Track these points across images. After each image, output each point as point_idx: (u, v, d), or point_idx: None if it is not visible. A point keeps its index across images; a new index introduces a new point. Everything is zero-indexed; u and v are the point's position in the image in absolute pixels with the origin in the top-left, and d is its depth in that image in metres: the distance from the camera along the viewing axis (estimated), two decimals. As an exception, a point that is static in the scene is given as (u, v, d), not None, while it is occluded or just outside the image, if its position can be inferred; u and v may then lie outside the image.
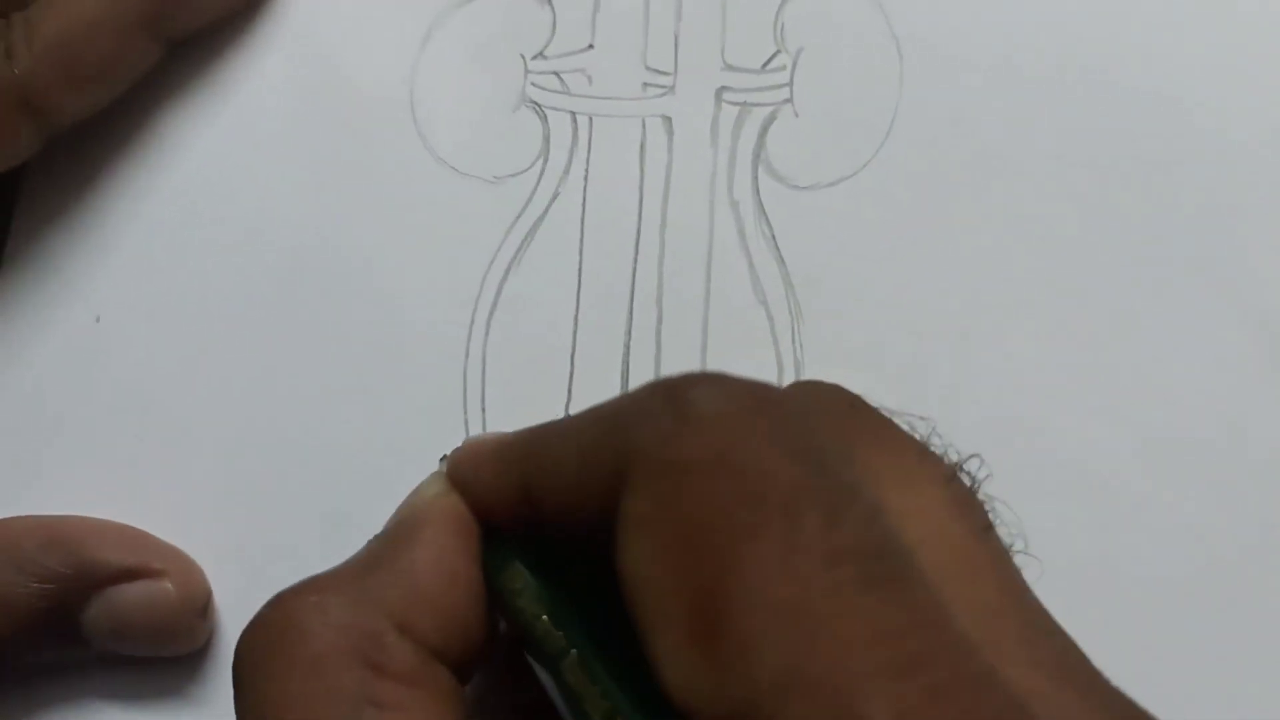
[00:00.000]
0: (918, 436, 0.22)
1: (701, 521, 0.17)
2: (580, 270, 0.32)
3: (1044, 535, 0.30)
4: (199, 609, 0.30)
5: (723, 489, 0.17)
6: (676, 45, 0.33)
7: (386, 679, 0.19)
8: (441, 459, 0.24)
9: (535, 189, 0.32)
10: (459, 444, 0.27)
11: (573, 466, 0.19)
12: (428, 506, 0.22)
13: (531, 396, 0.31)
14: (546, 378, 0.32)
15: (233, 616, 0.31)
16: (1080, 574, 0.29)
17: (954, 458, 0.21)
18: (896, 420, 0.22)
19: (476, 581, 0.21)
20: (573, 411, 0.31)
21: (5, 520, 0.30)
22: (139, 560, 0.30)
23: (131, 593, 0.29)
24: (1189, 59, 0.31)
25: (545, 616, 0.20)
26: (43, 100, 0.31)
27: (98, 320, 0.33)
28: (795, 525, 0.16)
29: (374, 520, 0.31)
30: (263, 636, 0.20)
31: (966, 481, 0.21)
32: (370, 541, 0.22)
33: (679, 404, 0.18)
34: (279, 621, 0.20)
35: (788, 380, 0.31)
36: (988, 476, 0.22)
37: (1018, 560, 0.20)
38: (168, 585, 0.30)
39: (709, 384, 0.18)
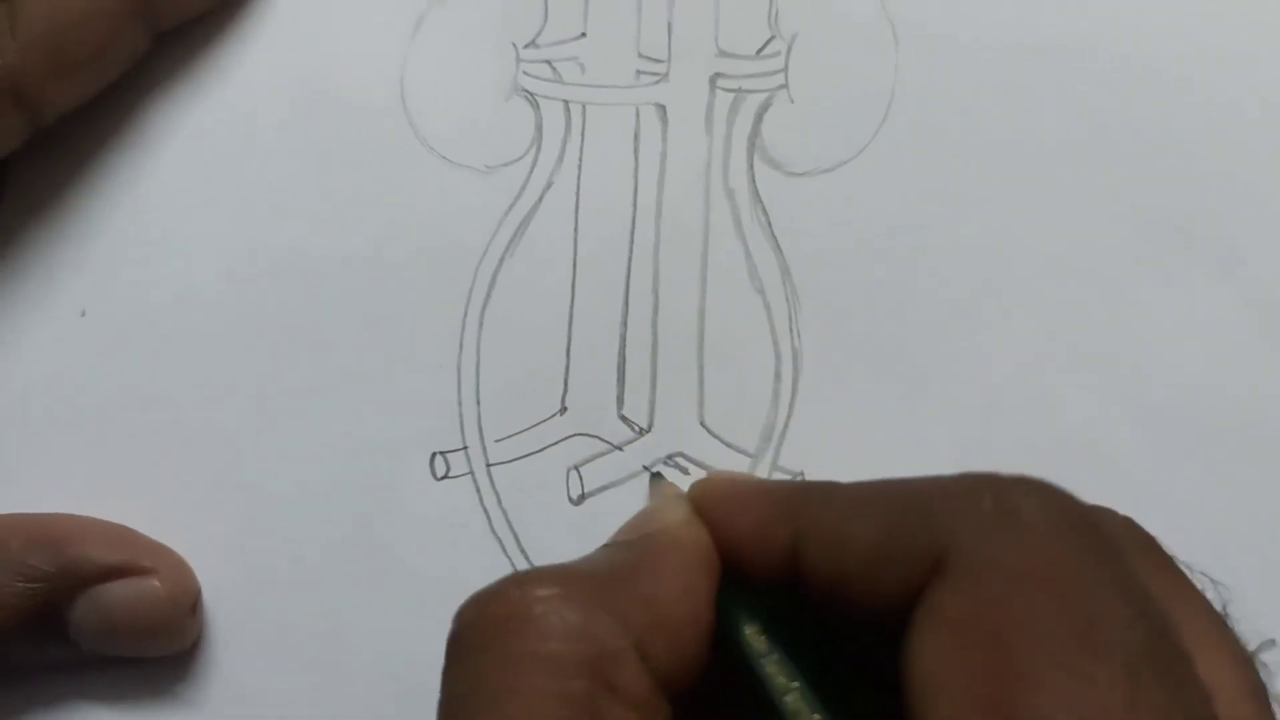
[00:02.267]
0: (1210, 597, 0.22)
1: (1025, 637, 0.16)
2: (575, 260, 0.32)
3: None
4: (188, 607, 0.30)
5: (1054, 610, 0.16)
6: (670, 32, 0.32)
7: (617, 700, 0.18)
8: (654, 474, 0.25)
9: (528, 178, 0.32)
10: (672, 456, 0.30)
11: (866, 541, 0.19)
12: (674, 534, 0.21)
13: (526, 388, 0.31)
14: (542, 369, 0.31)
15: (222, 615, 0.31)
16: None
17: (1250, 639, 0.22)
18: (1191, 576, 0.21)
19: (710, 619, 0.20)
20: (569, 404, 0.31)
21: None
22: (126, 558, 0.29)
23: (119, 591, 0.29)
24: (1186, 38, 0.31)
25: (796, 686, 0.19)
26: (29, 91, 0.31)
27: (83, 314, 0.32)
28: (1137, 685, 0.16)
29: (367, 514, 0.30)
30: (493, 615, 0.19)
31: (1260, 669, 0.21)
32: (605, 550, 0.22)
33: (1007, 507, 0.18)
34: (511, 606, 0.19)
35: (787, 370, 0.30)
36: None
37: None
38: (156, 583, 0.29)
39: (1037, 492, 0.18)
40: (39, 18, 0.30)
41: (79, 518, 0.30)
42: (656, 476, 0.23)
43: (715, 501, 0.22)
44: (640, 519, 0.23)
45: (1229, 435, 0.29)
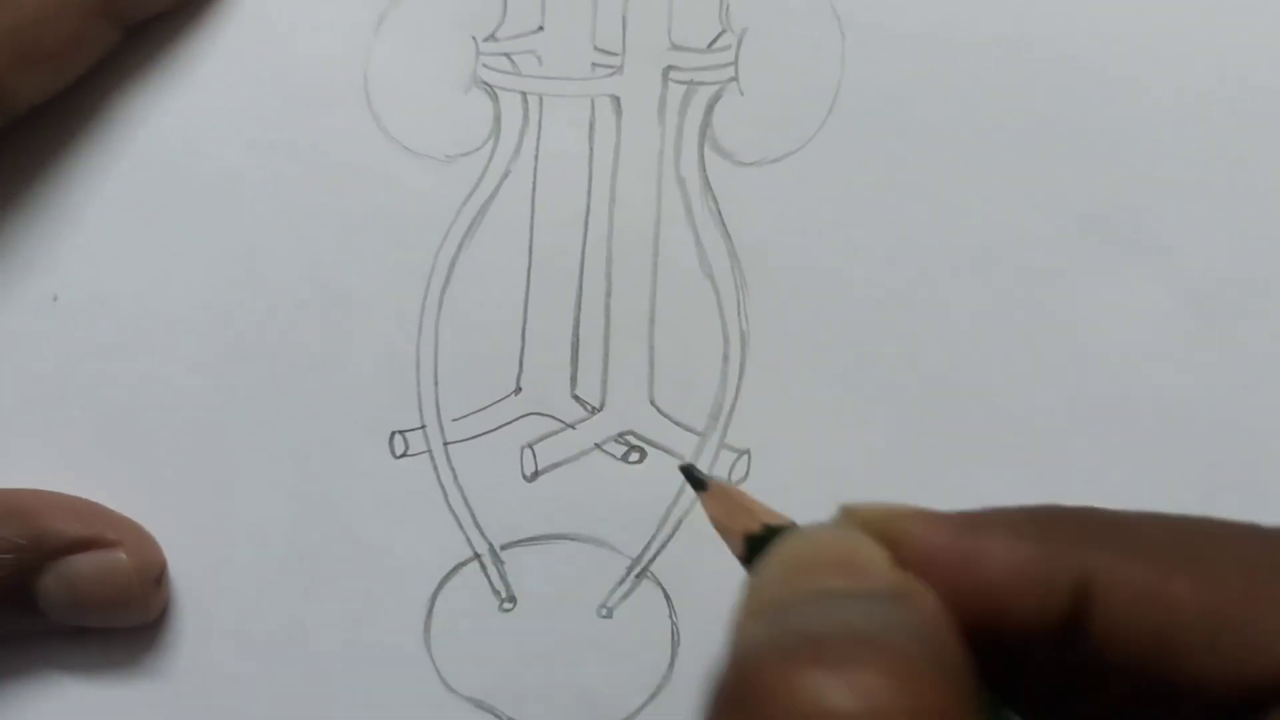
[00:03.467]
0: None
1: None
2: (531, 246, 0.33)
3: (989, 500, 0.30)
4: (154, 578, 0.31)
5: None
6: (624, 26, 0.33)
7: None
8: (842, 509, 0.18)
9: (487, 167, 0.33)
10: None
11: (1217, 600, 0.14)
12: (900, 617, 0.15)
13: (483, 369, 0.32)
14: (497, 351, 0.32)
15: (188, 589, 0.32)
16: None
17: None
18: None
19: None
20: (523, 385, 0.32)
21: None
22: (93, 531, 0.30)
23: (86, 562, 0.30)
24: (1128, 33, 0.32)
25: None
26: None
27: (55, 299, 0.33)
28: None
29: (327, 490, 0.31)
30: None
31: None
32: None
33: None
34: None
35: (735, 352, 0.31)
36: None
37: None
38: (121, 555, 0.30)
39: None
40: (8, 12, 0.31)
41: (46, 493, 0.31)
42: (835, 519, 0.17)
43: (944, 548, 0.16)
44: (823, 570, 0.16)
45: (1162, 423, 0.30)
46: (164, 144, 0.34)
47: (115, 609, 0.30)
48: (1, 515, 0.30)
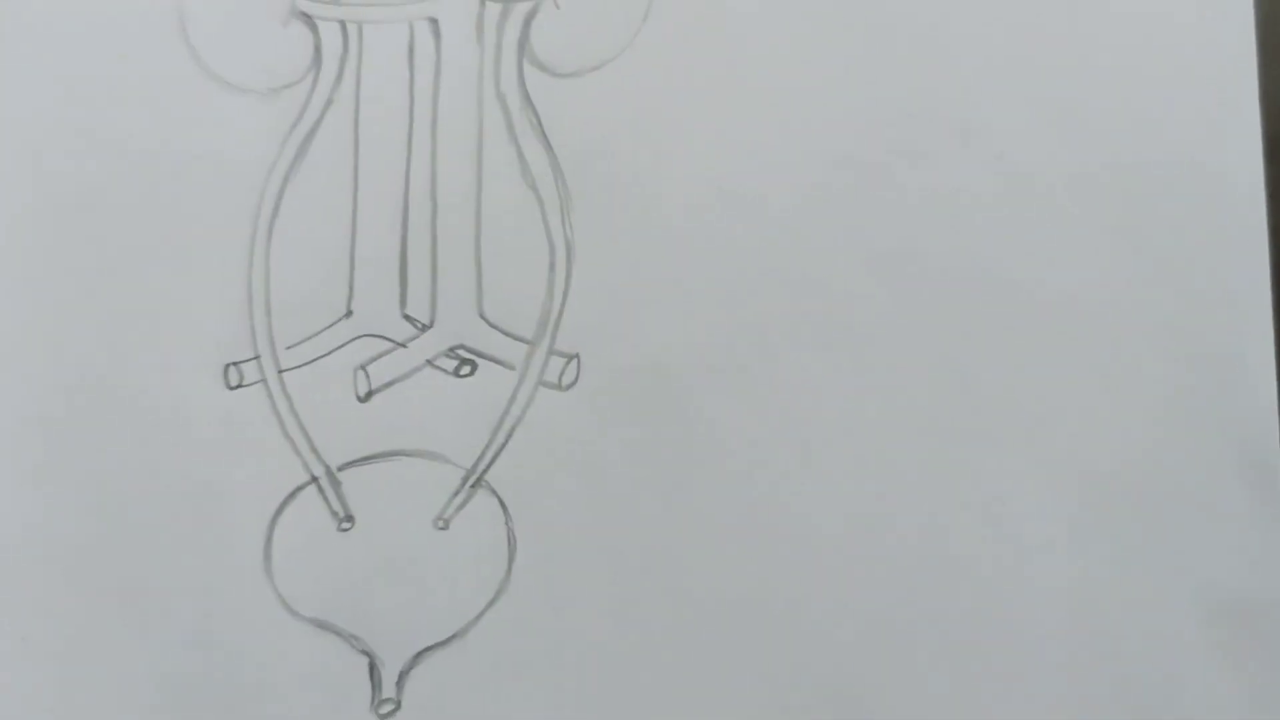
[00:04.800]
0: None
1: None
2: (356, 172, 0.33)
3: (811, 383, 0.30)
4: None
5: None
6: (439, -51, 0.34)
7: None
8: None
9: (309, 98, 0.33)
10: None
11: None
12: None
13: (313, 296, 0.32)
14: (328, 277, 0.32)
15: (16, 543, 0.31)
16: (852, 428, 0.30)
17: None
18: None
19: None
20: (354, 308, 0.32)
21: None
22: None
23: None
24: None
25: None
26: None
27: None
28: None
29: (159, 430, 0.31)
30: None
31: None
32: None
33: None
34: None
35: (561, 261, 0.31)
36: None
37: None
38: None
39: None
40: None
41: None
42: None
43: None
44: None
45: (968, 291, 0.30)
46: None
47: None
48: None
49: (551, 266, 0.31)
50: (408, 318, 0.32)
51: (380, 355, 0.32)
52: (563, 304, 0.31)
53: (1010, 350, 0.30)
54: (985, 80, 0.31)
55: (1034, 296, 0.30)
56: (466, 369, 0.31)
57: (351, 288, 0.32)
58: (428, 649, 0.30)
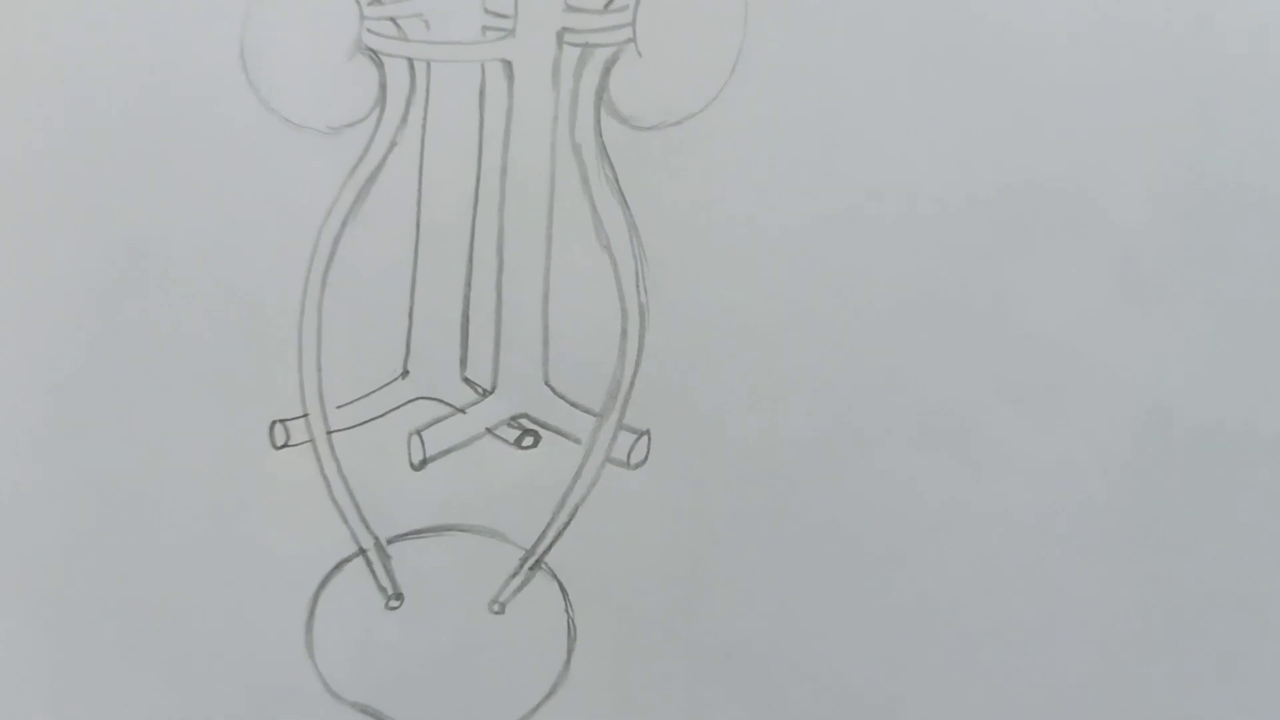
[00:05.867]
0: None
1: None
2: (419, 221, 0.31)
3: (906, 482, 0.29)
4: None
5: None
6: (516, -14, 0.32)
7: None
8: None
9: (372, 139, 0.31)
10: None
11: None
12: None
13: (368, 353, 0.30)
14: (384, 333, 0.30)
15: (67, 590, 0.30)
16: (956, 515, 0.29)
17: None
18: None
19: None
20: (411, 368, 0.30)
21: None
22: None
23: None
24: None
25: None
26: None
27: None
28: None
29: (202, 488, 0.30)
30: None
31: None
32: None
33: None
34: None
35: (634, 327, 0.30)
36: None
37: None
38: None
39: None
40: None
41: None
42: None
43: None
44: None
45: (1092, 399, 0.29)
46: (32, 140, 0.32)
47: None
48: None
49: (624, 334, 0.30)
50: (468, 381, 0.30)
51: (437, 420, 0.30)
52: (634, 375, 0.29)
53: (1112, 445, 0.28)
54: (1101, 155, 0.29)
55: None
56: (529, 440, 0.29)
57: (409, 346, 0.30)
58: (478, 744, 0.28)
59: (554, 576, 0.29)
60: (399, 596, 0.29)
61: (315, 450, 0.30)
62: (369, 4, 0.32)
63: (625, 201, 0.30)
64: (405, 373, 0.30)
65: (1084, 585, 0.29)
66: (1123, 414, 0.29)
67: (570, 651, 0.28)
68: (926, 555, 0.29)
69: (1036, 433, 0.29)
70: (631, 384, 0.29)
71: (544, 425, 0.30)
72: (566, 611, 0.29)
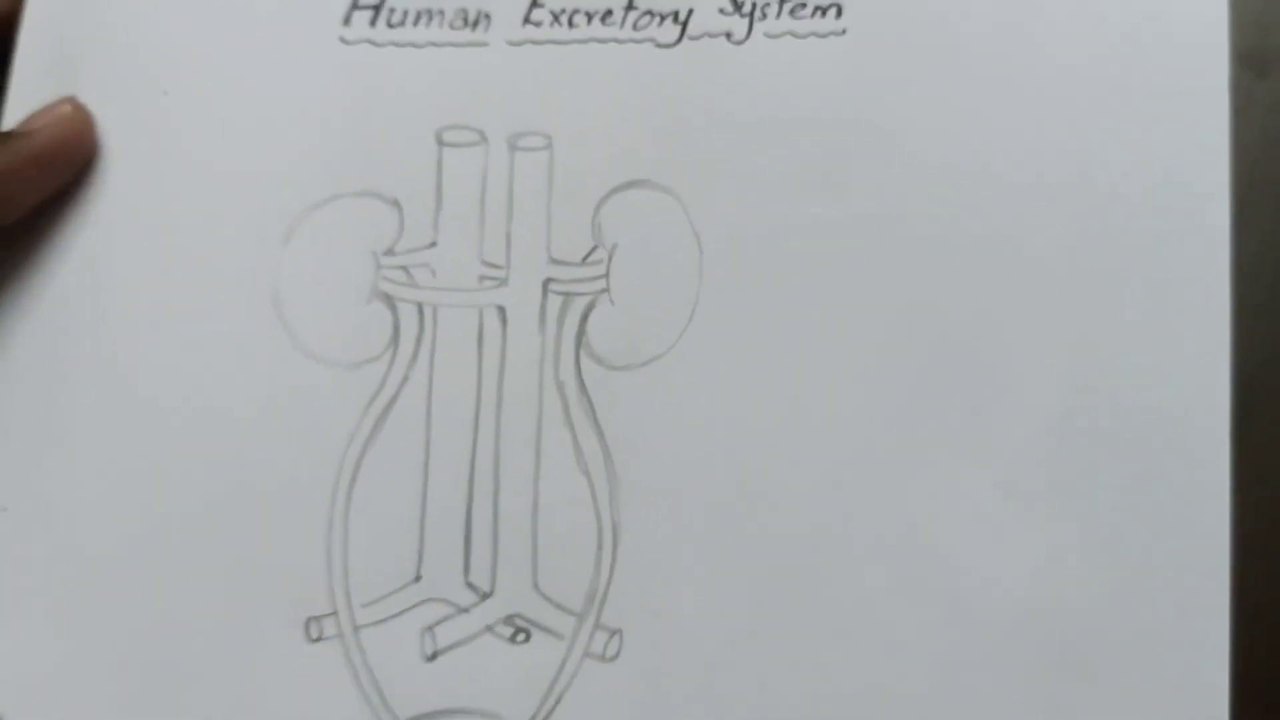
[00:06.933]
0: None
1: None
2: (428, 446, 0.37)
3: (829, 679, 0.34)
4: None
5: None
6: (509, 242, 0.37)
7: None
8: None
9: (387, 374, 0.37)
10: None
11: None
12: None
13: (387, 558, 0.36)
14: (399, 541, 0.36)
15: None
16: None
17: None
18: None
19: None
20: (423, 573, 0.36)
21: None
22: None
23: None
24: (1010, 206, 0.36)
25: None
26: None
27: (4, 510, 0.37)
28: None
29: (242, 680, 0.35)
30: None
31: None
32: None
33: None
34: None
35: (608, 541, 0.35)
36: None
37: None
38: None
39: None
40: None
41: None
42: None
43: None
44: None
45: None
46: (83, 348, 0.38)
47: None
48: None
49: (599, 546, 0.35)
50: (470, 585, 0.36)
51: (445, 619, 0.36)
52: (609, 581, 0.35)
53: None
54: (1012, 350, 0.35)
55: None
56: (521, 636, 0.35)
57: (421, 554, 0.36)
58: None
59: (544, 753, 0.35)
60: (417, 769, 0.35)
61: (343, 643, 0.36)
62: (384, 254, 0.38)
63: (601, 431, 0.36)
64: (418, 577, 0.36)
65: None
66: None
67: (558, 813, 0.34)
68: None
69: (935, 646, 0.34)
70: (606, 589, 0.35)
71: (534, 624, 0.35)
72: (554, 783, 0.34)
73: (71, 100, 0.38)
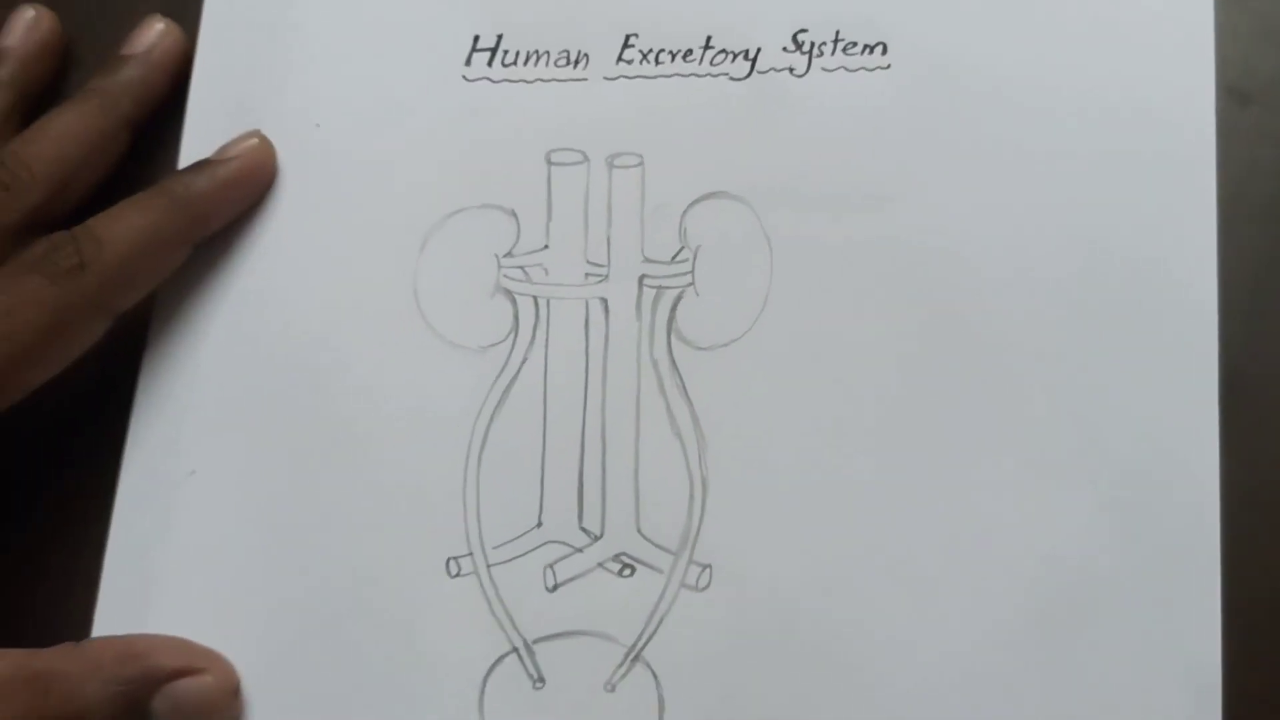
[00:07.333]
0: None
1: None
2: (545, 414, 0.43)
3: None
4: (232, 692, 0.40)
5: None
6: (609, 245, 0.44)
7: None
8: None
9: (509, 355, 0.44)
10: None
11: None
12: None
13: (513, 508, 0.42)
14: (523, 495, 0.42)
15: (262, 698, 0.41)
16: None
17: None
18: None
19: None
20: (543, 520, 0.42)
21: (87, 643, 0.39)
22: (186, 662, 0.40)
23: (183, 687, 0.39)
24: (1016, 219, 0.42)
25: None
26: (110, 301, 0.40)
27: (192, 473, 0.44)
28: None
29: (393, 609, 0.42)
30: None
31: None
32: None
33: None
34: None
35: (698, 493, 0.42)
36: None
37: None
38: (208, 678, 0.39)
39: None
40: (119, 244, 0.40)
41: (151, 636, 0.40)
42: None
43: None
44: None
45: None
46: (228, 358, 0.44)
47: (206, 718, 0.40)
48: (123, 657, 0.39)
49: (691, 496, 0.42)
50: (583, 529, 0.42)
51: (563, 558, 0.42)
52: (699, 525, 0.42)
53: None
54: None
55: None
56: (628, 571, 0.42)
57: (541, 504, 0.42)
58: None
59: (648, 666, 0.41)
60: (542, 680, 0.41)
61: (479, 578, 0.42)
62: (504, 257, 0.45)
63: (690, 400, 0.43)
64: (539, 523, 0.43)
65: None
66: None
67: (661, 716, 0.41)
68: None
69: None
70: (698, 532, 0.42)
71: (638, 561, 0.42)
72: (658, 690, 0.40)
73: (258, 133, 0.45)
